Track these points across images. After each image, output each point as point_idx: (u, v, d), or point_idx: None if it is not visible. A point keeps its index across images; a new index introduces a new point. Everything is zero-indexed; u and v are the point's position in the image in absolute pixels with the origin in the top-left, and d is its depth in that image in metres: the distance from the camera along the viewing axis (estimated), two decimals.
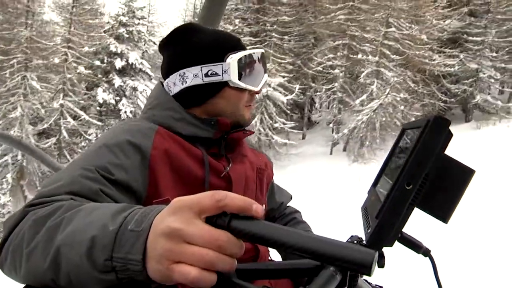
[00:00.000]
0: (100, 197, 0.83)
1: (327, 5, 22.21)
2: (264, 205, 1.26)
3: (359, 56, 20.51)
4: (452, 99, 23.33)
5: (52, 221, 0.66)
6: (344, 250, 0.50)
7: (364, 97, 20.13)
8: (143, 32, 24.03)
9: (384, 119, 19.58)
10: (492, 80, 22.11)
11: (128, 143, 0.95)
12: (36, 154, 2.63)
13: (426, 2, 22.25)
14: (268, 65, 1.33)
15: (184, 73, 1.09)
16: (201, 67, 1.08)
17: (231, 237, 0.51)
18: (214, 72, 1.08)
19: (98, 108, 22.49)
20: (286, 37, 24.36)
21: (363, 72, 20.47)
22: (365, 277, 0.88)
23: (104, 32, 23.79)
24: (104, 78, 22.61)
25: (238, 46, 1.12)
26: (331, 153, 21.21)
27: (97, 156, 0.91)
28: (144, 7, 25.61)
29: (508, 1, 22.79)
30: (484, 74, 21.85)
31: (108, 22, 24.87)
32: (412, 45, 20.55)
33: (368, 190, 0.84)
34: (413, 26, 21.19)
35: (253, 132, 1.22)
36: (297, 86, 21.56)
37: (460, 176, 0.59)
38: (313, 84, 22.90)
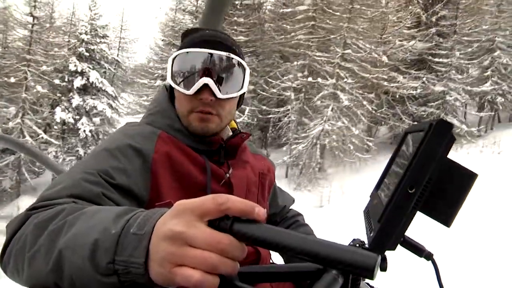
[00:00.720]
0: (102, 200, 0.83)
1: (285, 25, 21.68)
2: (265, 209, 1.26)
3: (318, 79, 19.88)
4: (416, 122, 22.86)
5: (54, 225, 0.66)
6: (347, 253, 0.50)
7: (316, 121, 19.33)
8: (104, 51, 23.70)
9: (335, 144, 18.79)
10: (458, 104, 21.82)
11: (129, 147, 0.96)
12: (38, 156, 2.64)
13: (391, 23, 22.02)
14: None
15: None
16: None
17: (234, 240, 0.51)
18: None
19: (55, 127, 22.14)
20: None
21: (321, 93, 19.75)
22: (367, 280, 0.87)
23: (69, 49, 23.48)
24: (63, 97, 22.36)
25: (193, 44, 1.06)
26: (286, 176, 20.03)
27: (98, 160, 0.92)
28: (106, 25, 25.23)
29: (472, 22, 22.77)
30: (451, 96, 21.54)
31: (69, 41, 24.49)
32: (368, 67, 20.02)
33: (371, 194, 0.84)
34: (373, 47, 20.70)
35: (250, 134, 1.19)
36: (247, 108, 20.91)
37: (462, 180, 0.59)
38: (263, 107, 22.00)
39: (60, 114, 21.35)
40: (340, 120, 18.66)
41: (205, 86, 1.02)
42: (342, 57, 19.58)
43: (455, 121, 21.36)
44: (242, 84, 1.09)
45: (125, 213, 0.61)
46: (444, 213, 0.59)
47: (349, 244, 0.71)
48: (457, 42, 22.75)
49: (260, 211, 0.52)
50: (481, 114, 22.68)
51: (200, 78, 1.02)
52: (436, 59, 22.29)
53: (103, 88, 22.38)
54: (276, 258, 1.25)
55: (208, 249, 0.50)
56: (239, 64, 1.07)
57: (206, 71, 1.03)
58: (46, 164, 2.66)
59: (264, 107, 22.01)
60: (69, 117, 21.60)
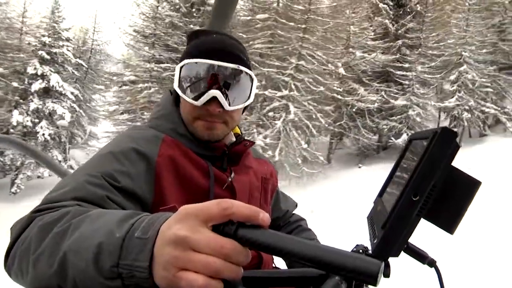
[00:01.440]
0: (106, 203, 0.83)
1: (241, 34, 20.99)
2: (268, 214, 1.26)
3: (268, 90, 19.32)
4: (375, 136, 22.64)
5: (58, 227, 0.66)
6: (350, 259, 0.50)
7: (267, 132, 18.67)
8: (67, 54, 23.09)
9: (281, 158, 17.71)
10: (418, 119, 21.39)
11: (134, 151, 0.96)
12: (42, 158, 2.64)
13: (355, 34, 21.88)
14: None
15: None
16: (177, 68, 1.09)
17: (238, 246, 0.51)
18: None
19: (11, 130, 21.46)
20: None
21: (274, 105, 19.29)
22: (370, 286, 0.87)
23: (33, 52, 22.87)
24: (21, 100, 21.95)
25: (202, 53, 1.05)
26: None
27: (103, 163, 0.92)
28: (70, 28, 24.68)
29: (437, 36, 22.74)
30: (414, 111, 21.23)
31: (29, 43, 23.87)
32: (321, 80, 19.51)
33: (374, 200, 0.84)
34: (331, 58, 20.36)
35: (254, 143, 1.20)
36: None
37: (466, 187, 0.59)
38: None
39: (17, 117, 20.94)
40: (291, 133, 18.30)
41: (214, 98, 1.02)
42: (297, 68, 19.21)
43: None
44: (250, 94, 1.09)
45: (130, 217, 0.61)
46: (448, 220, 0.59)
47: (352, 250, 0.71)
48: (422, 56, 22.64)
49: (265, 217, 0.52)
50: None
51: (209, 90, 1.02)
52: (399, 72, 22.09)
53: (64, 93, 21.99)
54: (279, 263, 1.25)
55: (212, 254, 0.50)
56: (248, 75, 1.07)
57: (215, 83, 1.02)
58: (50, 166, 2.67)
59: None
60: (27, 120, 21.18)
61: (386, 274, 0.59)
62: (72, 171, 1.54)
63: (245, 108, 1.17)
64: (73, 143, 24.47)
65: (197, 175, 1.03)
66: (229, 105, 1.04)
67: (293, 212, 1.51)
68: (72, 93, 22.71)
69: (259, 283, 0.70)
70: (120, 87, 22.06)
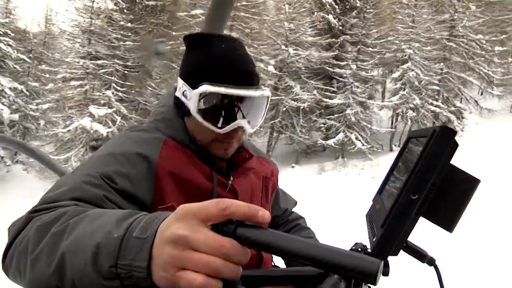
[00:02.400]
0: (104, 203, 0.83)
1: (173, 32, 21.25)
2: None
3: None
4: (307, 136, 22.46)
5: (56, 228, 0.66)
6: (350, 258, 0.49)
7: None
8: (5, 49, 22.19)
9: None
10: (353, 119, 21.18)
11: (134, 153, 0.95)
12: (40, 158, 2.64)
13: (291, 31, 21.82)
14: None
15: (179, 82, 1.07)
16: (183, 84, 1.05)
17: (237, 245, 0.51)
18: (186, 95, 1.04)
19: None
20: (129, 63, 22.19)
21: None
22: (369, 285, 0.87)
23: None
24: None
25: (222, 77, 1.00)
26: None
27: (102, 163, 0.91)
28: (7, 22, 23.88)
29: (378, 33, 22.62)
30: (352, 110, 21.03)
31: None
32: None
33: (373, 198, 0.84)
34: (262, 57, 20.40)
35: (253, 155, 1.19)
36: (119, 118, 20.26)
37: (465, 185, 0.59)
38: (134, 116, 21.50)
39: None
40: None
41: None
42: None
43: (352, 136, 21.11)
44: (265, 111, 1.10)
45: (128, 217, 0.61)
46: (447, 218, 0.59)
47: (351, 249, 0.71)
48: (362, 53, 22.54)
49: (265, 215, 0.52)
50: (381, 129, 22.32)
51: (235, 120, 1.01)
52: (337, 70, 21.98)
53: (1, 88, 21.35)
54: (278, 262, 1.25)
55: (211, 253, 0.50)
56: (267, 98, 1.08)
57: (241, 113, 1.03)
58: (48, 164, 2.67)
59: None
60: None
61: (385, 273, 0.59)
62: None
63: None
64: (30, 135, 24.09)
65: (199, 178, 1.03)
66: (251, 128, 1.05)
67: (292, 210, 1.51)
68: (15, 88, 22.28)
69: (258, 282, 0.70)
70: (56, 84, 21.85)
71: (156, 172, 0.97)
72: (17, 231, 0.74)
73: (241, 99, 1.03)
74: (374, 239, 0.60)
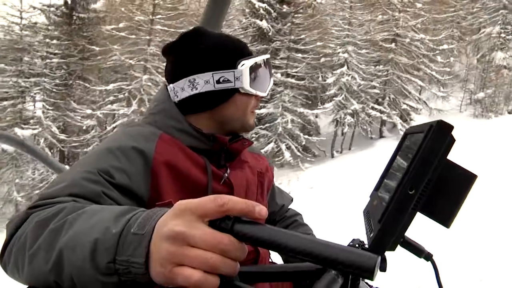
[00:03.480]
0: (102, 199, 0.83)
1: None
2: None
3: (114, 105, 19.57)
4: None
5: (54, 224, 0.66)
6: (347, 254, 0.50)
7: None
8: None
9: None
10: (280, 129, 20.96)
11: (130, 148, 0.95)
12: (38, 155, 2.64)
13: None
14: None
15: (195, 79, 1.07)
16: (213, 74, 1.06)
17: (234, 241, 0.51)
18: (226, 79, 1.07)
19: None
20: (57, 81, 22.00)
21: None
22: (366, 280, 0.88)
23: None
24: None
25: (247, 52, 1.13)
26: None
27: (99, 159, 0.91)
28: None
29: (308, 37, 22.41)
30: (284, 118, 20.88)
31: None
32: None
33: (370, 194, 0.84)
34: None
35: (252, 143, 1.21)
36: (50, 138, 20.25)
37: (462, 181, 0.59)
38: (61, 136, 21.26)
39: None
40: None
41: None
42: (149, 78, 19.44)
43: (283, 146, 20.84)
44: None
45: (126, 213, 0.61)
46: (444, 214, 0.60)
47: (348, 244, 0.71)
48: (291, 59, 22.40)
49: (262, 210, 0.52)
50: (313, 139, 22.10)
51: (270, 80, 1.19)
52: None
53: None
54: (275, 258, 1.26)
55: (208, 249, 0.50)
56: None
57: (270, 73, 1.19)
58: (47, 162, 2.67)
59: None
60: None
61: (383, 268, 0.59)
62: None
63: None
64: None
65: (194, 171, 1.03)
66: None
67: (289, 207, 1.51)
68: None
69: (256, 278, 0.71)
70: None
71: (152, 166, 0.96)
72: (15, 227, 0.74)
73: (268, 64, 1.18)
74: (371, 235, 0.60)
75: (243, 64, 1.08)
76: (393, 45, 22.61)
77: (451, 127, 0.56)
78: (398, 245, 0.59)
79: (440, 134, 0.56)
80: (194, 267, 0.50)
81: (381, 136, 22.67)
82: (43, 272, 0.64)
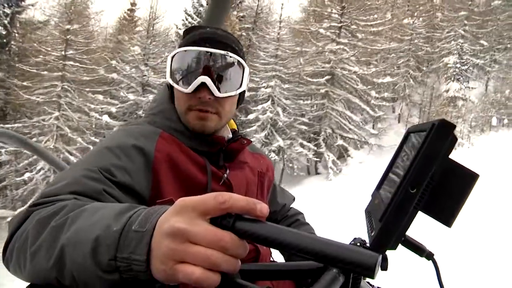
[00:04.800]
0: (103, 196, 0.83)
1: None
2: None
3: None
4: None
5: (56, 221, 0.66)
6: (348, 252, 0.50)
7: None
8: None
9: None
10: None
11: (131, 146, 0.96)
12: (40, 153, 2.64)
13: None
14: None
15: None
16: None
17: (235, 238, 0.51)
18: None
19: None
20: None
21: None
22: (367, 279, 0.88)
23: None
24: None
25: (191, 43, 1.06)
26: None
27: (100, 157, 0.92)
28: None
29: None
30: None
31: None
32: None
33: (372, 193, 0.84)
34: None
35: (251, 142, 1.19)
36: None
37: (464, 180, 0.59)
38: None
39: None
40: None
41: (203, 84, 1.02)
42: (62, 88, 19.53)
43: None
44: (241, 83, 1.08)
45: (127, 210, 0.61)
46: (445, 213, 0.59)
47: (350, 243, 0.71)
48: None
49: (263, 208, 0.52)
50: None
51: (199, 76, 1.02)
52: None
53: None
54: (277, 256, 1.26)
55: (209, 247, 0.50)
56: (238, 62, 1.07)
57: (205, 70, 1.02)
58: (48, 160, 2.66)
59: None
60: None
61: (384, 267, 0.59)
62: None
63: (239, 103, 1.17)
64: None
65: (194, 170, 1.03)
66: (219, 91, 1.03)
67: (291, 206, 1.51)
68: None
69: (257, 275, 0.71)
70: None
71: (153, 164, 0.97)
72: (17, 225, 0.74)
73: (206, 58, 1.04)
74: (372, 234, 0.60)
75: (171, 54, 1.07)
76: (324, 79, 22.23)
77: (453, 126, 0.56)
78: (399, 244, 0.59)
79: (442, 133, 0.55)
80: (195, 264, 0.50)
81: (316, 173, 22.14)
82: (45, 269, 0.64)
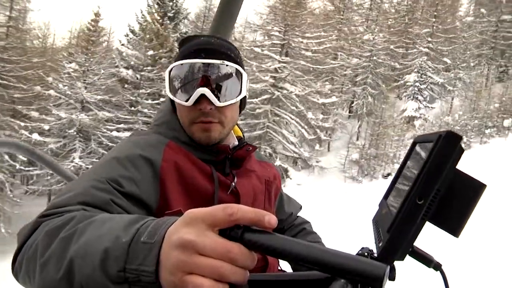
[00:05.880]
0: (111, 207, 0.84)
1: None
2: None
3: None
4: None
5: (65, 232, 0.67)
6: (356, 263, 0.50)
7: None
8: None
9: None
10: None
11: (139, 156, 0.96)
12: (49, 163, 2.65)
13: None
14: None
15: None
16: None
17: (244, 249, 0.52)
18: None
19: None
20: None
21: None
22: None
23: None
24: None
25: (187, 55, 1.06)
26: None
27: (107, 168, 0.92)
28: None
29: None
30: None
31: None
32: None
33: (379, 203, 0.84)
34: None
35: (256, 148, 1.19)
36: None
37: (471, 190, 0.59)
38: None
39: None
40: None
41: (203, 96, 1.02)
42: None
43: None
44: (241, 89, 1.09)
45: (136, 222, 0.62)
46: (453, 223, 0.59)
47: (357, 253, 0.71)
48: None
49: (272, 219, 0.53)
50: None
51: (197, 88, 1.02)
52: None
53: None
54: (284, 266, 1.25)
55: (218, 258, 0.50)
56: (235, 70, 1.07)
57: (202, 81, 1.02)
58: (57, 171, 2.68)
59: None
60: None
61: (392, 278, 0.59)
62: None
63: (241, 108, 1.18)
64: None
65: (201, 179, 1.03)
66: (219, 101, 1.04)
67: (298, 214, 1.51)
68: None
69: (265, 286, 0.70)
70: None
71: (160, 174, 0.97)
72: (26, 236, 0.75)
73: (203, 69, 1.04)
74: (380, 244, 0.60)
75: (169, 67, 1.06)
76: (264, 98, 22.21)
77: (460, 137, 0.56)
78: (407, 255, 0.59)
79: (449, 144, 0.56)
80: (204, 276, 0.50)
81: None
82: (54, 280, 0.64)
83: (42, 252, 0.67)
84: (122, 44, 27.56)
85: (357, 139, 27.30)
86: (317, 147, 24.88)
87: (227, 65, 1.05)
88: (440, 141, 0.56)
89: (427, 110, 27.30)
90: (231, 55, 1.09)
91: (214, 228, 0.52)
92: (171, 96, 1.06)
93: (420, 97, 27.00)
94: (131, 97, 23.27)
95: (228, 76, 1.06)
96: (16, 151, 2.52)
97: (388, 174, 23.49)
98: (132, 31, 29.17)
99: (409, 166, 0.76)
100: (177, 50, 1.12)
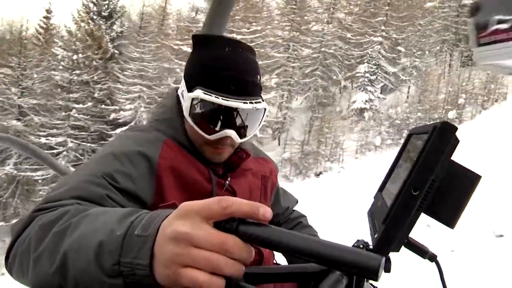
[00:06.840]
0: (106, 202, 0.83)
1: None
2: None
3: None
4: None
5: (58, 227, 0.66)
6: (352, 255, 0.50)
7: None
8: None
9: None
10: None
11: (136, 153, 0.96)
12: (42, 158, 2.64)
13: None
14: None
15: (182, 81, 1.08)
16: (183, 84, 1.06)
17: (239, 242, 0.51)
18: (183, 95, 1.05)
19: None
20: None
21: None
22: (371, 281, 0.87)
23: None
24: None
25: (216, 86, 0.99)
26: None
27: (103, 163, 0.92)
28: None
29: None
30: None
31: None
32: None
33: (374, 195, 0.84)
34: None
35: (250, 155, 1.17)
36: None
37: (466, 181, 0.59)
38: None
39: None
40: None
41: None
42: None
43: None
44: (260, 122, 1.09)
45: (130, 215, 0.61)
46: (448, 214, 0.59)
47: (353, 245, 0.71)
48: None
49: (266, 212, 0.52)
50: None
51: (223, 129, 1.01)
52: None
53: None
54: (280, 259, 1.26)
55: (213, 250, 0.50)
56: (263, 110, 1.06)
57: (230, 123, 1.02)
58: (51, 165, 2.67)
59: None
60: None
61: (387, 269, 0.59)
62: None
63: None
64: None
65: (198, 178, 1.03)
66: (241, 138, 1.05)
67: (294, 208, 1.51)
68: None
69: (261, 279, 0.71)
70: None
71: (157, 171, 0.97)
72: (20, 230, 0.74)
73: (233, 113, 1.02)
74: (375, 236, 0.60)
75: (193, 92, 0.99)
76: None
77: (455, 128, 0.56)
78: (402, 246, 0.59)
79: (444, 135, 0.56)
80: (199, 268, 0.50)
81: None
82: (48, 274, 0.64)
83: (35, 246, 0.67)
84: (59, 46, 26.74)
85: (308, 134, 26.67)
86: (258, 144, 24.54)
87: (257, 108, 1.03)
88: (435, 132, 0.56)
89: (380, 101, 26.64)
90: (259, 83, 1.06)
91: (209, 221, 0.52)
92: (191, 123, 1.02)
93: (371, 88, 26.22)
94: (60, 102, 23.02)
95: (255, 117, 1.06)
96: (11, 145, 2.50)
97: (320, 173, 23.06)
98: (69, 32, 28.36)
99: (404, 157, 0.76)
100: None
